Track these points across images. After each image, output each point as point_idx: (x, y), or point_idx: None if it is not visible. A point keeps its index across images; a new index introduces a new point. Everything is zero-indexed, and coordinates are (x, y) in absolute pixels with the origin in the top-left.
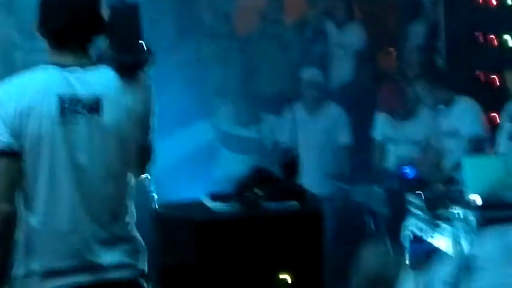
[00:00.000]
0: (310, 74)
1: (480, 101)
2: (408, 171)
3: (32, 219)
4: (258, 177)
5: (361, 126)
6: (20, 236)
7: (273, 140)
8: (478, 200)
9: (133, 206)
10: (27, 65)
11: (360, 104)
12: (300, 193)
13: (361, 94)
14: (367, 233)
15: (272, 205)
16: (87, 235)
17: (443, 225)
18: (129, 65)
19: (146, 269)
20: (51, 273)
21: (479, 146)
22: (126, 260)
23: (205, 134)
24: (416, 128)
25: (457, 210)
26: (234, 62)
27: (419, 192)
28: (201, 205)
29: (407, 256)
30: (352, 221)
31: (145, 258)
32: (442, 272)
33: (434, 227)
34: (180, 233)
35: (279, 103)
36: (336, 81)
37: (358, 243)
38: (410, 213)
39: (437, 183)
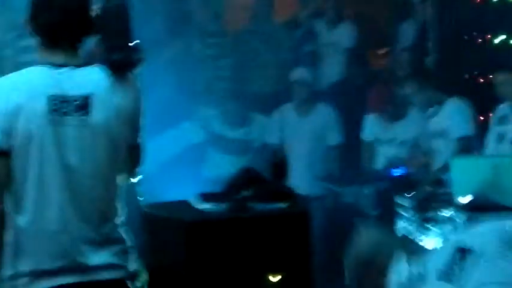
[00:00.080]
0: (300, 73)
1: (469, 101)
2: (397, 172)
3: (20, 219)
4: (247, 178)
5: (351, 126)
6: (8, 236)
7: (262, 141)
8: (466, 202)
9: (122, 207)
10: (17, 64)
11: (350, 104)
12: (288, 194)
13: (352, 94)
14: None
15: (260, 206)
16: (76, 235)
17: (432, 227)
18: (119, 64)
19: (136, 269)
20: (39, 274)
21: (468, 146)
22: (115, 261)
23: (194, 134)
24: (406, 128)
25: (445, 212)
26: (224, 62)
27: (408, 194)
28: (189, 206)
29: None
30: (341, 221)
31: (135, 259)
32: (436, 260)
33: (423, 229)
34: (169, 233)
35: (269, 103)
36: (326, 81)
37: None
38: (399, 216)
39: (425, 185)
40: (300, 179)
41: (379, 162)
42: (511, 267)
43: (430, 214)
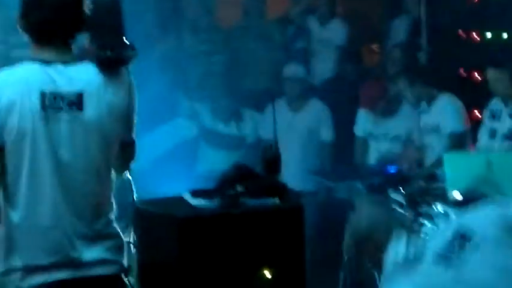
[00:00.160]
0: (292, 70)
1: (462, 97)
2: (390, 167)
3: (13, 215)
4: (239, 174)
5: (344, 122)
6: (1, 231)
7: (255, 137)
8: (459, 197)
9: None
10: (9, 60)
11: (342, 100)
12: (280, 189)
13: (344, 90)
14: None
15: (253, 202)
16: (69, 231)
17: (425, 222)
18: (112, 61)
19: (128, 264)
20: (32, 270)
21: (460, 142)
22: (108, 256)
23: (187, 130)
24: (398, 124)
25: (437, 207)
26: (216, 58)
27: (400, 189)
28: (182, 202)
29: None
30: (334, 217)
31: (127, 255)
32: (435, 243)
33: (416, 224)
34: (161, 229)
35: (262, 99)
36: (319, 78)
37: (340, 239)
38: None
39: (418, 180)
40: (293, 175)
41: (372, 158)
42: (510, 255)
43: (423, 209)
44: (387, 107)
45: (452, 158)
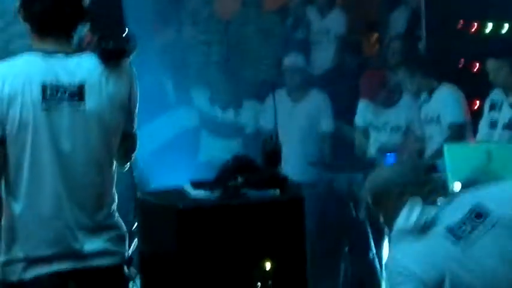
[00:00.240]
0: (293, 60)
1: (462, 88)
2: (390, 158)
3: (15, 206)
4: (239, 165)
5: (344, 112)
6: (3, 222)
7: (255, 126)
8: (459, 188)
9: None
10: (8, 51)
11: (342, 90)
12: (281, 181)
13: (344, 81)
14: (349, 219)
15: (253, 193)
16: (70, 222)
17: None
18: (113, 52)
19: (129, 255)
20: (33, 260)
21: (460, 133)
22: (109, 247)
23: (187, 120)
24: (398, 115)
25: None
26: (215, 48)
27: None
28: (182, 193)
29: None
30: (333, 208)
31: (128, 245)
32: (448, 215)
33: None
34: (161, 220)
35: (262, 90)
36: (319, 68)
37: (341, 230)
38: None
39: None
40: (293, 165)
41: (372, 149)
42: None
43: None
44: (387, 98)
45: (452, 149)
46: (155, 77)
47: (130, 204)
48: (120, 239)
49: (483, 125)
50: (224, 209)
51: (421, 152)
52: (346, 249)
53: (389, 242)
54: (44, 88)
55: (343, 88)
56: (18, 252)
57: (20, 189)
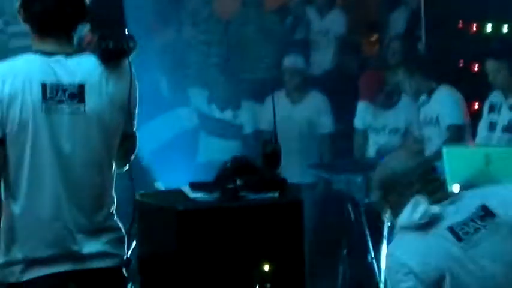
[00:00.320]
0: (292, 61)
1: (461, 89)
2: None
3: (14, 207)
4: (238, 167)
5: (343, 114)
6: (2, 223)
7: (253, 127)
8: (458, 190)
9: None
10: (7, 50)
11: (341, 91)
12: (280, 183)
13: (343, 82)
14: (347, 221)
15: (252, 195)
16: (69, 223)
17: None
18: (113, 52)
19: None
20: (32, 262)
21: (459, 134)
22: (108, 249)
23: (186, 120)
24: (397, 116)
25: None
26: (215, 48)
27: None
28: (181, 194)
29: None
30: (333, 209)
31: (128, 247)
32: (455, 212)
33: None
34: (160, 221)
35: (261, 90)
36: (318, 69)
37: (339, 232)
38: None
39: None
40: (292, 167)
41: (371, 150)
42: None
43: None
44: (386, 99)
45: (451, 152)
46: (155, 77)
47: (129, 205)
48: (119, 241)
49: (482, 127)
50: (223, 211)
51: (420, 154)
52: (345, 251)
53: (395, 234)
54: (44, 89)
55: (343, 89)
56: (17, 254)
57: (20, 190)
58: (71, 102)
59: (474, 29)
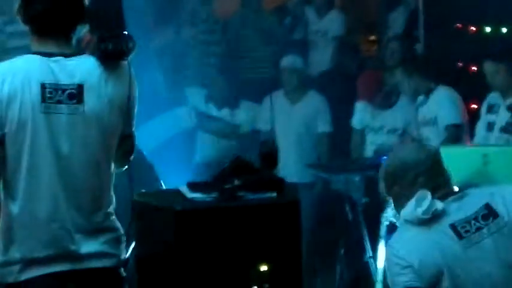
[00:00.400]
0: (290, 61)
1: (459, 90)
2: (385, 158)
3: (12, 207)
4: (236, 167)
5: (341, 114)
6: (1, 223)
7: (251, 127)
8: (456, 190)
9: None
10: (7, 49)
11: (340, 91)
12: (278, 183)
13: (342, 82)
14: (345, 221)
15: (250, 195)
16: (67, 224)
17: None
18: (112, 53)
19: (126, 257)
20: (30, 262)
21: (457, 134)
22: (106, 249)
23: (185, 120)
24: (395, 116)
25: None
26: (214, 48)
27: None
28: (179, 194)
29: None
30: (330, 209)
31: (125, 247)
32: (460, 209)
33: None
34: (158, 221)
35: (259, 90)
36: (316, 69)
37: (337, 232)
38: (388, 203)
39: None
40: (289, 166)
41: (369, 150)
42: None
43: None
44: (385, 100)
45: (449, 152)
46: (153, 77)
47: (127, 205)
48: (117, 241)
49: (480, 127)
50: (221, 211)
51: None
52: (342, 251)
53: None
54: (43, 89)
55: (341, 89)
56: (15, 253)
57: (18, 190)
58: (69, 103)
59: (473, 29)
